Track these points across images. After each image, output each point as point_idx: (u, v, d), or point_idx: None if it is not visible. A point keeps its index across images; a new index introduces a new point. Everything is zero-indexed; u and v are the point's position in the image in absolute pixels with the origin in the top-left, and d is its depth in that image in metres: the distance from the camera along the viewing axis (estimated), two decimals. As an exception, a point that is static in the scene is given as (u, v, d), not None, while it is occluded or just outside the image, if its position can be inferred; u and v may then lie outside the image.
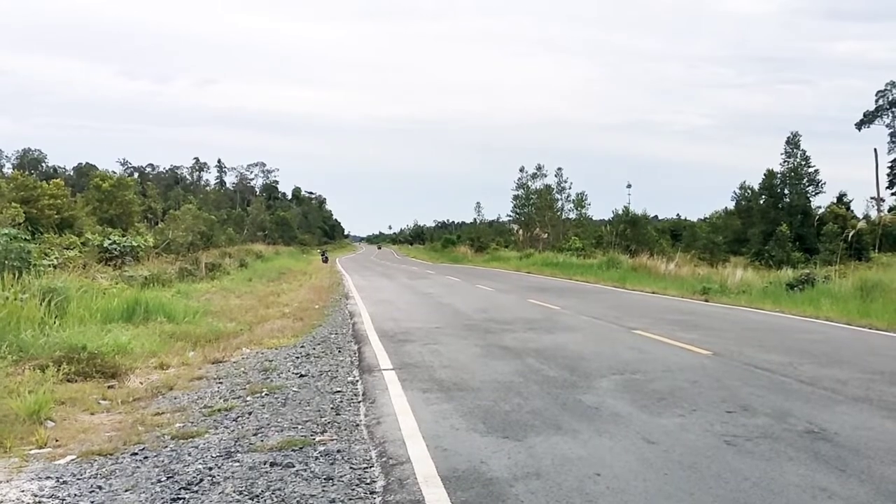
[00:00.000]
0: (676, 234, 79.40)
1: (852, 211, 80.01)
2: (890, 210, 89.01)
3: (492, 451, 6.47)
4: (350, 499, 5.55)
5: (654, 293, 26.52)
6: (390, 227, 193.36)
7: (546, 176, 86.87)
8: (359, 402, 8.85)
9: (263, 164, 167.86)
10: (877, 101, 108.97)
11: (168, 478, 6.14)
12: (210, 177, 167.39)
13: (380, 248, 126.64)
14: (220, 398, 9.33)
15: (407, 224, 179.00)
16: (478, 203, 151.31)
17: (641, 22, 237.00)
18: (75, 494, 5.85)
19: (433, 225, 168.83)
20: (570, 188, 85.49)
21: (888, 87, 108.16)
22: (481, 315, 18.37)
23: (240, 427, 7.79)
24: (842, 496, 5.31)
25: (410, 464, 6.18)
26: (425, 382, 9.74)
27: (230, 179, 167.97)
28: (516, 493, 5.41)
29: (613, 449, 6.54)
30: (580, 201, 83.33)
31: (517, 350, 12.43)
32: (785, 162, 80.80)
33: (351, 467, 6.27)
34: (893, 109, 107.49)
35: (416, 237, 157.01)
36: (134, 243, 32.96)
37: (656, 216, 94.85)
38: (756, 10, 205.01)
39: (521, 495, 5.37)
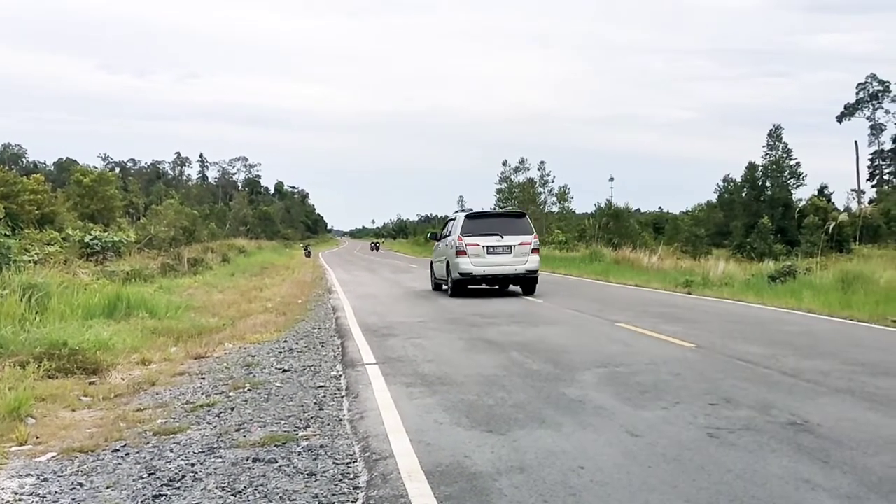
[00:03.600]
0: (659, 227, 79.80)
1: (833, 203, 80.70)
2: (870, 202, 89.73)
3: (475, 446, 6.46)
4: (333, 494, 5.53)
5: (637, 286, 26.55)
6: (373, 222, 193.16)
7: (529, 169, 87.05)
8: (342, 397, 8.83)
9: (246, 159, 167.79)
10: (857, 93, 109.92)
11: (150, 474, 6.10)
12: (192, 171, 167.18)
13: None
14: (202, 394, 9.29)
15: (390, 218, 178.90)
16: (461, 197, 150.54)
17: (625, 15, 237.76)
18: (56, 492, 5.81)
19: (416, 219, 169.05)
20: (552, 182, 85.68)
21: (868, 80, 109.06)
22: (464, 309, 18.35)
23: (222, 423, 7.75)
24: (825, 487, 5.32)
25: (394, 458, 6.16)
26: (409, 377, 9.72)
27: (212, 174, 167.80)
28: (500, 488, 5.39)
29: (597, 442, 6.54)
30: (563, 195, 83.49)
31: (501, 344, 12.43)
32: (767, 155, 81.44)
33: (334, 462, 6.25)
34: (873, 102, 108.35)
35: (399, 231, 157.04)
36: (115, 239, 32.77)
37: (639, 209, 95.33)
38: (739, 3, 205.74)
39: (504, 489, 5.36)
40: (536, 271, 22.62)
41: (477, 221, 22.83)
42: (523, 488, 5.38)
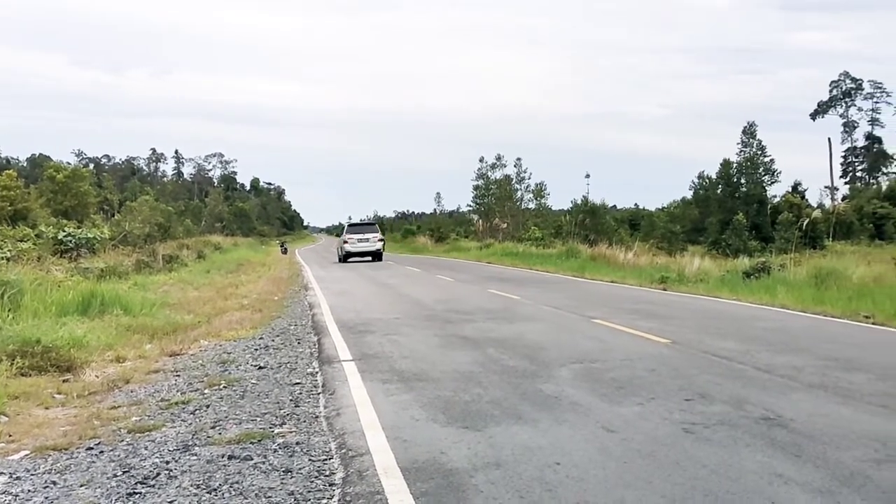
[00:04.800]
0: (635, 224, 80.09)
1: (807, 200, 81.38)
2: (844, 199, 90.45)
3: (452, 442, 6.46)
4: (309, 491, 5.52)
5: (612, 282, 26.65)
6: (350, 218, 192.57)
7: (506, 166, 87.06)
8: (318, 394, 8.82)
9: (221, 155, 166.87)
10: (831, 91, 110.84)
11: (124, 472, 6.06)
12: (167, 168, 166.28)
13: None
14: (177, 391, 9.24)
15: (367, 215, 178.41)
16: (438, 193, 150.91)
17: (602, 14, 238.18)
18: (29, 490, 5.76)
19: (393, 216, 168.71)
20: (529, 178, 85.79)
21: (841, 78, 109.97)
22: (441, 305, 18.36)
23: (197, 420, 7.72)
24: (797, 482, 5.37)
25: (370, 455, 6.16)
26: (385, 373, 9.72)
27: (188, 170, 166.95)
28: (476, 484, 5.40)
29: (573, 438, 6.56)
30: (539, 191, 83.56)
31: (477, 340, 12.44)
32: (741, 152, 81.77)
33: (310, 459, 6.24)
34: (846, 100, 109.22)
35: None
36: (90, 235, 32.45)
37: (615, 206, 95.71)
38: (717, 2, 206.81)
39: (480, 485, 5.37)
40: (380, 250, 44.60)
41: (353, 227, 47.22)
42: (499, 484, 5.39)
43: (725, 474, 5.55)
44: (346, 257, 43.55)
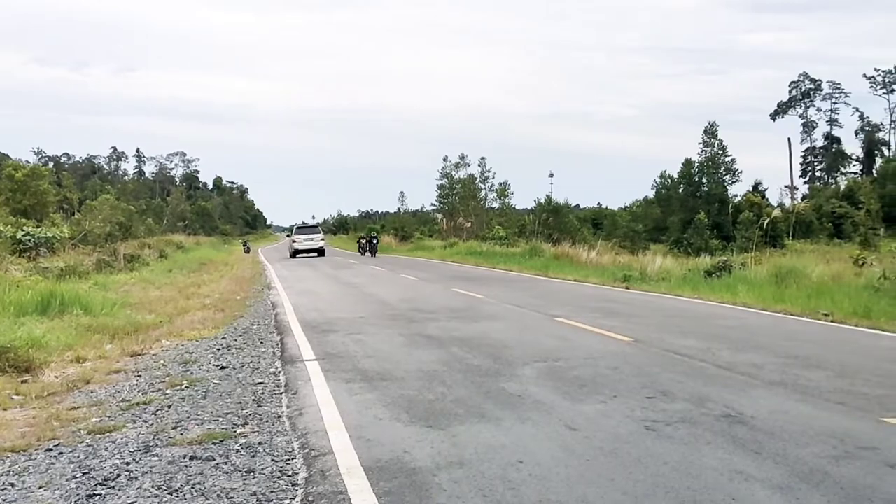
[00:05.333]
0: (598, 223, 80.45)
1: (767, 199, 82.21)
2: (803, 198, 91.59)
3: (415, 441, 6.46)
4: (272, 491, 5.49)
5: (576, 281, 26.77)
6: (313, 217, 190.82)
7: (469, 165, 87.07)
8: (281, 394, 8.78)
9: (184, 154, 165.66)
10: (790, 91, 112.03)
11: (84, 474, 6.00)
12: (128, 166, 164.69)
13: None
14: (138, 391, 9.16)
15: (330, 214, 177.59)
16: (401, 192, 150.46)
17: (563, 13, 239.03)
18: (-14, 493, 5.68)
19: (357, 214, 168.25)
20: (493, 177, 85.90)
21: (801, 79, 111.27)
22: (405, 304, 18.35)
23: (159, 421, 7.65)
24: (758, 478, 5.42)
25: (333, 455, 6.14)
26: (349, 373, 9.70)
27: (149, 169, 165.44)
28: (439, 483, 5.40)
29: (536, 436, 6.58)
30: (503, 191, 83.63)
31: (441, 339, 12.45)
32: (703, 151, 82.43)
33: (273, 459, 6.21)
34: (805, 100, 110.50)
35: (339, 227, 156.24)
36: (49, 234, 32.07)
37: (578, 205, 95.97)
38: (679, 3, 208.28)
39: (444, 484, 5.37)
40: (322, 248, 54.22)
41: (301, 229, 56.36)
42: (463, 483, 5.39)
43: (687, 471, 5.59)
44: (294, 254, 53.51)
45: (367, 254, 55.62)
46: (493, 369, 9.73)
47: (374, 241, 56.81)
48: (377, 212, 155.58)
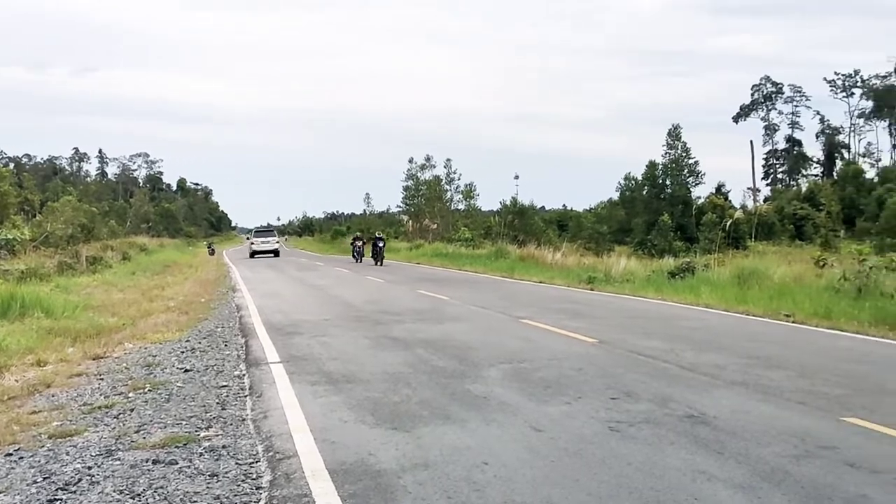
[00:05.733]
0: (563, 225, 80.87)
1: (730, 201, 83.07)
2: (765, 200, 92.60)
3: (380, 443, 6.45)
4: (235, 495, 5.47)
5: (541, 283, 26.86)
6: (279, 219, 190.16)
7: (435, 167, 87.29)
8: (245, 397, 8.73)
9: (147, 155, 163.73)
10: (752, 94, 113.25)
11: (44, 478, 5.93)
12: (91, 168, 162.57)
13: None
14: (100, 395, 9.07)
15: (296, 215, 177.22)
16: (367, 194, 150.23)
17: (531, 15, 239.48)
18: (-56, 499, 5.60)
19: (322, 216, 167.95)
20: (459, 179, 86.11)
21: (763, 82, 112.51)
22: (371, 306, 18.32)
23: (121, 424, 7.58)
24: (720, 478, 5.47)
25: (297, 458, 6.12)
26: (314, 375, 9.66)
27: (112, 170, 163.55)
28: (404, 485, 5.40)
29: (501, 438, 6.60)
30: (469, 192, 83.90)
31: (407, 341, 12.44)
32: (667, 153, 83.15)
33: (237, 463, 6.18)
34: (767, 103, 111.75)
35: (305, 228, 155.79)
36: (9, 236, 31.71)
37: (543, 207, 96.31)
38: (644, 5, 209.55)
39: (409, 486, 5.37)
40: (277, 249, 59.24)
41: (258, 232, 66.10)
42: (428, 485, 5.40)
43: (650, 472, 5.64)
44: (252, 254, 58.07)
45: (365, 260, 43.79)
46: (458, 371, 9.75)
47: (381, 245, 41.69)
48: (343, 213, 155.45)
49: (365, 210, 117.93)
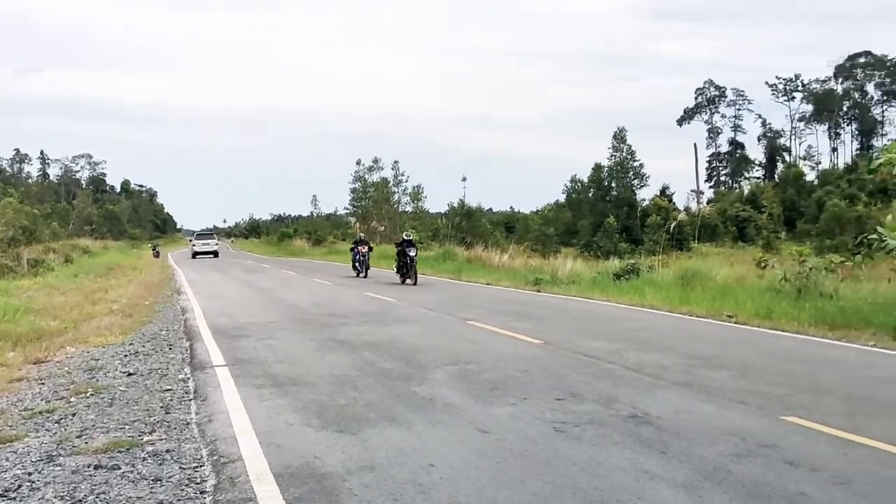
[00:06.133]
0: (510, 227, 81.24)
1: (674, 203, 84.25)
2: (708, 202, 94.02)
3: (326, 446, 6.44)
4: (179, 499, 5.41)
5: (488, 284, 26.99)
6: (225, 221, 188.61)
7: (383, 169, 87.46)
8: (190, 400, 8.65)
9: (90, 156, 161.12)
10: (696, 98, 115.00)
11: (-17, 485, 5.82)
12: (32, 169, 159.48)
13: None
14: (41, 400, 8.92)
15: (242, 217, 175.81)
16: (314, 196, 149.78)
17: (477, 18, 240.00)
18: None
19: (269, 218, 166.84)
20: (406, 181, 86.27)
21: (706, 85, 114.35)
22: (318, 309, 18.25)
23: (62, 429, 7.47)
24: (663, 477, 5.55)
25: (242, 461, 6.08)
26: (259, 378, 9.60)
27: (54, 171, 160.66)
28: (350, 488, 5.40)
29: (447, 439, 6.62)
30: (416, 194, 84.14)
31: (353, 343, 12.42)
32: (612, 156, 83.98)
33: (181, 467, 6.12)
34: (711, 107, 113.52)
35: (251, 231, 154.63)
36: (-53, 239, 31.14)
37: (491, 209, 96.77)
38: (589, 9, 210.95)
39: (354, 489, 5.37)
40: (216, 250, 65.79)
41: (199, 235, 72.39)
42: (373, 487, 5.40)
43: (594, 472, 5.69)
44: (194, 255, 63.82)
45: (403, 279, 27.53)
46: (404, 373, 9.75)
47: (413, 255, 27.38)
48: (290, 215, 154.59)
49: (312, 212, 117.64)
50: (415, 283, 26.53)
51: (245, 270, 39.42)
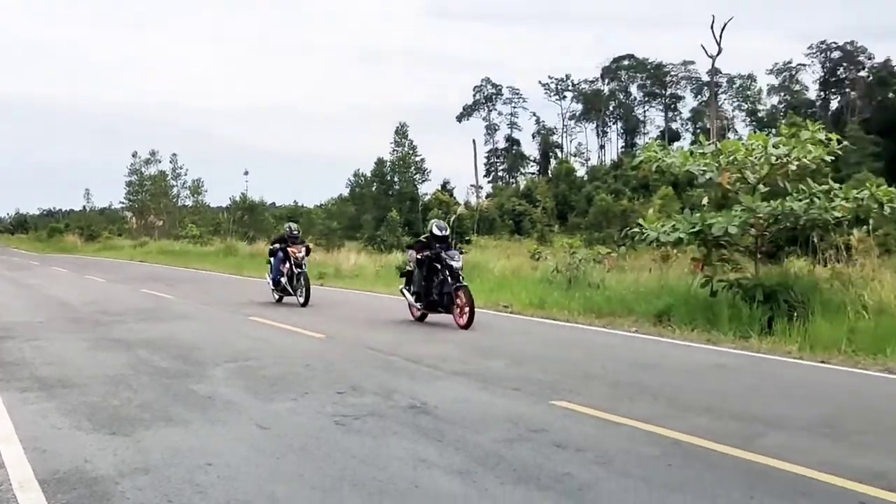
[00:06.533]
0: (294, 221, 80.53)
1: (455, 197, 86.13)
2: (487, 197, 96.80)
3: (97, 449, 6.19)
4: (-68, 514, 5.07)
5: (271, 279, 26.67)
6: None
7: (161, 162, 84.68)
8: (-54, 408, 8.08)
9: None
10: (474, 95, 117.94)
11: None
12: None
13: None
14: None
15: (7, 212, 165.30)
16: (87, 190, 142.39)
17: (260, 10, 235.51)
18: None
19: (38, 213, 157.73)
20: (186, 175, 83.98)
21: (483, 83, 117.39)
22: (90, 307, 17.46)
23: None
24: (439, 465, 5.69)
25: (5, 469, 5.74)
26: (24, 381, 9.08)
27: None
28: (122, 491, 5.22)
29: (226, 437, 6.53)
30: (197, 188, 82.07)
31: (128, 342, 11.98)
32: (395, 151, 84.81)
33: (-65, 478, 5.73)
34: (488, 104, 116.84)
35: (18, 226, 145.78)
36: None
37: (274, 203, 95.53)
38: (372, 5, 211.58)
39: (127, 492, 5.19)
40: None
41: None
42: (147, 489, 5.24)
43: (374, 463, 5.77)
44: None
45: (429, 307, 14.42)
46: (182, 371, 9.52)
47: (456, 267, 13.97)
48: (61, 210, 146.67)
49: (85, 206, 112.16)
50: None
51: (10, 267, 37.11)
